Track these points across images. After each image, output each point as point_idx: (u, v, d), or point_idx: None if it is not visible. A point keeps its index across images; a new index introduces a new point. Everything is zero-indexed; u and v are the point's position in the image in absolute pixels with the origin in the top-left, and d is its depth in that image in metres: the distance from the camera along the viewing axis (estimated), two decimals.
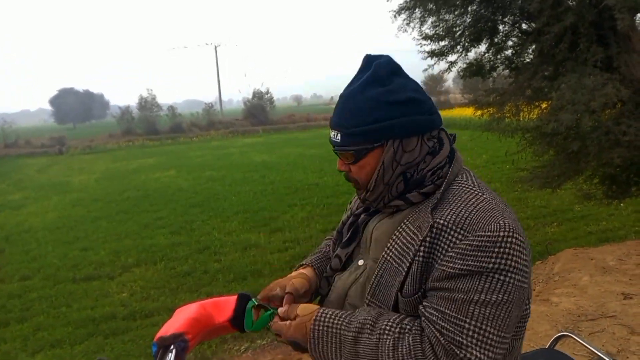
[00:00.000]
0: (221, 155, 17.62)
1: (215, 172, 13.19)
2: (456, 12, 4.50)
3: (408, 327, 0.82)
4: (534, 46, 4.14)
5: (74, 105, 58.10)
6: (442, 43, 4.71)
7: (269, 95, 36.77)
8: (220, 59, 49.55)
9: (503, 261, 0.76)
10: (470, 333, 0.76)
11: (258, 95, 36.31)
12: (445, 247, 0.81)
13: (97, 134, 33.65)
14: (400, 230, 0.89)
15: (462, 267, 0.78)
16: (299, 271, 1.10)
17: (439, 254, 0.81)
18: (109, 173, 14.98)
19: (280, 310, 0.95)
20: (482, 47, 4.70)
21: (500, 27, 4.53)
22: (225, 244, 6.24)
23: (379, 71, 0.89)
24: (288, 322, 0.92)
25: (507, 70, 4.82)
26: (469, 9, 4.42)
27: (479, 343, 0.76)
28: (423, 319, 0.82)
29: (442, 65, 4.87)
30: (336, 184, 9.46)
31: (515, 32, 4.52)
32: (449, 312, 0.78)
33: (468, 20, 4.49)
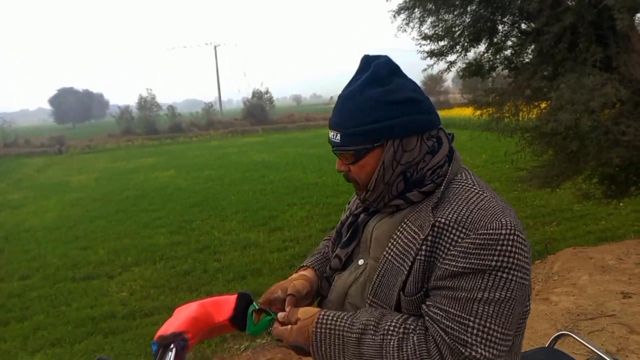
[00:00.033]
0: (220, 155, 17.60)
1: (215, 171, 13.18)
2: (455, 12, 4.51)
3: (412, 327, 0.82)
4: (533, 46, 4.16)
5: (74, 105, 58.05)
6: (442, 43, 4.72)
7: (268, 95, 36.80)
8: (220, 59, 49.63)
9: (505, 259, 0.77)
10: (475, 331, 0.76)
11: (257, 95, 36.33)
12: (447, 245, 0.81)
13: (97, 134, 33.66)
14: (401, 229, 0.89)
15: (464, 265, 0.78)
16: (299, 273, 1.10)
17: (441, 253, 0.82)
18: (108, 173, 14.97)
19: (280, 315, 0.94)
20: (482, 47, 4.72)
21: (500, 27, 4.54)
22: (225, 243, 6.24)
23: (378, 71, 0.89)
24: (289, 326, 0.91)
25: (507, 70, 4.83)
26: (468, 9, 4.43)
27: (483, 341, 0.76)
28: (427, 318, 0.82)
29: (442, 65, 4.90)
30: (335, 184, 9.46)
31: (514, 32, 4.52)
32: (452, 310, 0.78)
33: (467, 20, 4.49)
